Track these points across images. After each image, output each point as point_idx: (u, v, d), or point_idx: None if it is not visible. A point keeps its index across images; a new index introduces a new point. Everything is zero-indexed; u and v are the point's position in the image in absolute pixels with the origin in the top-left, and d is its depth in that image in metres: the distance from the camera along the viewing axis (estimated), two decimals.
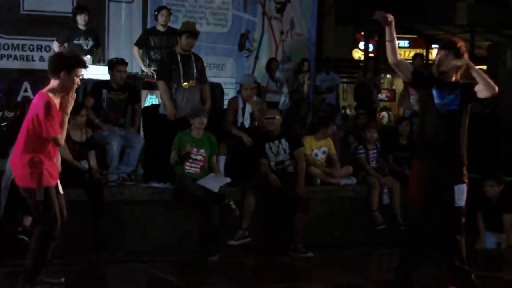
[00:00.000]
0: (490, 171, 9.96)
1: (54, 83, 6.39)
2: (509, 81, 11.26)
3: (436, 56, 6.68)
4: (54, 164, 6.53)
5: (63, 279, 6.88)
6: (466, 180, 6.60)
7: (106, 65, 10.39)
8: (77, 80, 6.43)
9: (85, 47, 11.08)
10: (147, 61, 11.36)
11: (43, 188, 6.36)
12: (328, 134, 10.39)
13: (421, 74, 7.01)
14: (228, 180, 9.03)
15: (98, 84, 9.99)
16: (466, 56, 6.57)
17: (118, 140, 9.47)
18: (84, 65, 6.56)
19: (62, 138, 6.42)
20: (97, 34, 11.51)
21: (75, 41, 10.95)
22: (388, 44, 6.51)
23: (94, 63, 10.88)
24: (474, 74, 6.39)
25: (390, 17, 6.34)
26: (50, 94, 6.35)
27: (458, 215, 6.58)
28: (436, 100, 6.51)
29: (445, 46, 6.63)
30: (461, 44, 6.57)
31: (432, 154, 6.54)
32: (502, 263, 9.64)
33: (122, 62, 9.90)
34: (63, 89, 6.38)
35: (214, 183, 8.94)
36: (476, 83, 6.43)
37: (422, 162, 6.62)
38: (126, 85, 9.94)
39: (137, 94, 10.28)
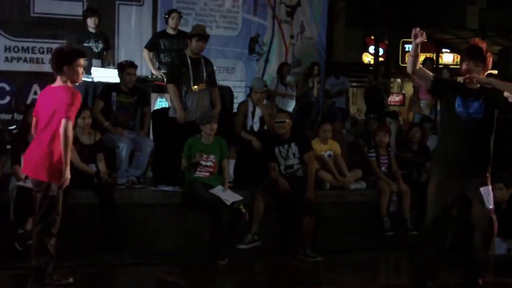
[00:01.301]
0: (499, 174, 9.93)
1: (61, 79, 6.72)
2: None
3: (462, 65, 6.61)
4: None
5: (71, 280, 6.91)
6: (489, 184, 6.54)
7: (116, 68, 10.38)
8: (81, 70, 6.79)
9: (95, 50, 11.08)
10: (157, 64, 11.35)
11: (57, 184, 6.49)
12: (330, 131, 10.31)
13: (443, 82, 6.91)
14: (240, 198, 8.99)
15: (107, 87, 9.99)
16: (490, 60, 6.53)
17: (128, 143, 9.47)
18: (83, 55, 6.88)
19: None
20: (107, 37, 11.51)
21: (85, 44, 10.95)
22: (410, 58, 6.51)
23: (103, 66, 10.87)
24: (503, 89, 6.35)
25: (421, 39, 6.31)
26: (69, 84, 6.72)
27: (490, 217, 6.52)
28: (459, 109, 6.46)
29: (472, 56, 6.55)
30: (487, 53, 6.51)
31: (457, 166, 6.51)
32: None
33: (132, 65, 9.90)
34: (71, 81, 6.76)
35: (227, 195, 8.91)
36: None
37: (445, 174, 6.58)
38: (135, 88, 9.94)
39: (146, 97, 10.28)
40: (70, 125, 6.53)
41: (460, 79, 6.63)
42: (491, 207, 6.52)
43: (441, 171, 6.69)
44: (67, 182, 6.61)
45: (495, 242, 9.79)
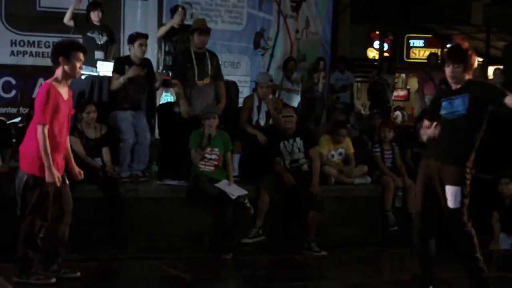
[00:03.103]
0: (504, 170, 9.95)
1: (57, 72, 6.57)
2: None
3: (446, 68, 6.62)
4: (59, 155, 6.59)
5: (79, 274, 6.92)
6: (464, 183, 6.51)
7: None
8: (78, 64, 6.56)
9: (98, 42, 11.04)
10: (163, 55, 11.39)
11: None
12: (345, 136, 10.34)
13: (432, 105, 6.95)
14: (245, 192, 9.00)
15: (120, 60, 10.00)
16: (473, 59, 6.53)
17: (132, 137, 9.44)
18: (82, 49, 6.67)
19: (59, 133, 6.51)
20: (112, 30, 11.50)
21: (89, 34, 10.91)
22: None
23: (106, 59, 10.85)
24: None
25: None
26: (54, 83, 6.51)
27: (454, 216, 6.52)
28: (444, 111, 6.50)
29: (451, 57, 6.56)
30: (468, 52, 6.50)
31: (435, 155, 6.53)
32: None
33: (144, 36, 9.81)
34: (66, 75, 6.55)
35: (232, 189, 8.92)
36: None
37: (424, 161, 6.65)
38: (145, 61, 9.90)
39: (153, 71, 10.21)
40: (41, 129, 6.36)
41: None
42: (454, 206, 6.49)
43: (424, 157, 6.76)
44: (58, 182, 6.52)
45: (500, 237, 9.84)
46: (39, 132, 6.39)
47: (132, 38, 9.80)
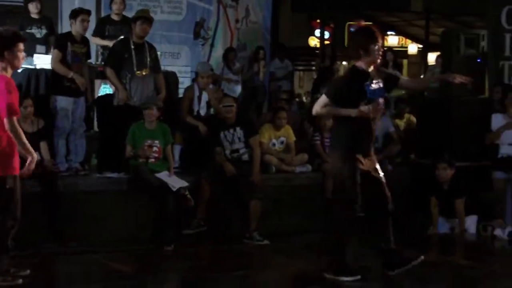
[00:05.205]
0: (441, 155, 10.10)
1: (1, 64, 6.56)
2: (463, 67, 11.33)
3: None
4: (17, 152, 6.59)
5: (28, 271, 6.88)
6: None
7: None
8: (21, 55, 6.66)
9: (38, 36, 10.91)
10: (101, 50, 11.26)
11: (13, 176, 6.50)
12: (285, 119, 10.36)
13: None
14: (186, 183, 8.97)
15: (62, 36, 9.83)
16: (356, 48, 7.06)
17: (68, 124, 9.34)
18: (23, 39, 6.75)
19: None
20: (51, 22, 11.34)
21: (27, 30, 10.77)
22: (330, 108, 7.00)
23: (48, 52, 10.70)
24: None
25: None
26: (4, 73, 6.54)
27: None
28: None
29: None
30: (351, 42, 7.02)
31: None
32: (455, 248, 9.78)
33: (86, 12, 9.64)
34: (11, 66, 6.63)
35: (173, 180, 8.89)
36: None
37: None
38: (85, 39, 9.76)
39: (89, 48, 10.01)
40: (13, 122, 6.41)
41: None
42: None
43: None
44: (32, 165, 6.53)
45: (438, 222, 10.00)
46: (12, 125, 6.40)
47: (75, 14, 9.59)
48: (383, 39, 7.16)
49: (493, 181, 10.27)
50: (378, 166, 7.24)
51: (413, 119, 12.09)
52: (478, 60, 11.50)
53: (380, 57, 7.10)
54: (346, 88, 6.98)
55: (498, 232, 9.82)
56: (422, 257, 7.21)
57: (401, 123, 11.99)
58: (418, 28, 22.31)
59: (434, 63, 15.61)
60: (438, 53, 14.37)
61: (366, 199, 7.03)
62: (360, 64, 7.04)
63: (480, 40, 11.58)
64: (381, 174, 7.21)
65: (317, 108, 7.13)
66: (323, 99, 7.04)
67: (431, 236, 9.94)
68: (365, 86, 6.95)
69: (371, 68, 7.06)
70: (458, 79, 7.25)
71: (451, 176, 9.96)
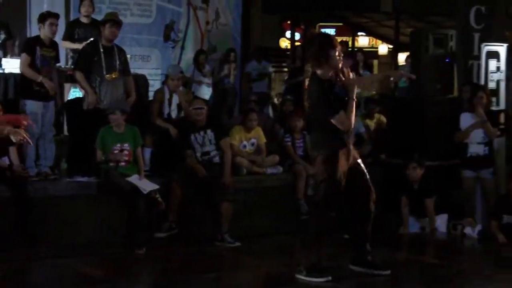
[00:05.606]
0: (411, 155, 10.17)
1: None
2: (431, 67, 11.46)
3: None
4: None
5: None
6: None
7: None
8: None
9: None
10: (71, 54, 11.21)
11: None
12: (255, 121, 10.37)
13: None
14: (157, 186, 8.96)
15: (31, 40, 9.74)
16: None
17: (38, 128, 9.27)
18: None
19: None
20: (8, 27, 11.20)
21: None
22: None
23: (6, 56, 10.57)
24: None
25: None
26: None
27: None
28: None
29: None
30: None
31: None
32: (425, 247, 9.85)
33: (55, 15, 9.57)
34: None
35: (144, 184, 8.87)
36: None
37: None
38: (54, 42, 9.69)
39: (58, 51, 9.94)
40: None
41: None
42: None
43: None
44: None
45: (409, 221, 10.07)
46: None
47: (43, 17, 9.53)
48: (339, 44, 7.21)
49: (463, 180, 10.36)
50: (360, 160, 7.30)
51: (383, 119, 12.15)
52: (447, 60, 11.60)
53: (341, 62, 7.12)
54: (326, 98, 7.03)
55: (468, 230, 9.92)
56: (389, 272, 7.29)
57: (371, 123, 12.04)
58: (388, 28, 22.40)
59: (404, 63, 15.71)
60: (408, 53, 14.46)
61: (351, 195, 7.08)
62: (321, 72, 7.06)
63: (449, 40, 11.69)
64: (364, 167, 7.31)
65: None
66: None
67: (402, 236, 10.00)
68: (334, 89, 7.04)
69: (331, 73, 7.09)
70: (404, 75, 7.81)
71: (421, 176, 10.05)
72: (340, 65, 7.08)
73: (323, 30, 26.02)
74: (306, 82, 16.69)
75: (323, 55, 6.98)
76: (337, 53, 7.01)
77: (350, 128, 7.08)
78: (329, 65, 7.00)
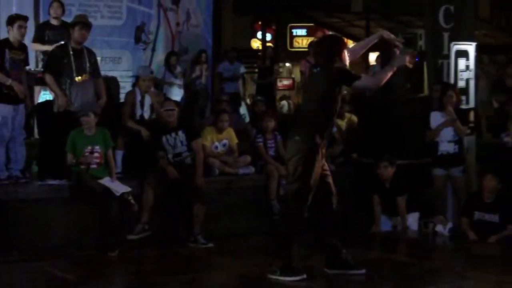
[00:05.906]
0: (382, 154, 10.24)
1: None
2: (402, 67, 11.51)
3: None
4: None
5: None
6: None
7: None
8: None
9: None
10: (41, 56, 11.15)
11: None
12: (227, 121, 10.38)
13: None
14: (129, 188, 8.93)
15: (0, 43, 9.68)
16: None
17: (8, 132, 9.21)
18: None
19: None
20: None
21: None
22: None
23: None
24: None
25: None
26: None
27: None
28: None
29: None
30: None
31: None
32: (397, 245, 9.91)
33: (24, 18, 9.49)
34: None
35: (116, 186, 8.84)
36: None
37: None
38: (24, 45, 9.61)
39: (28, 54, 9.85)
40: None
41: None
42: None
43: None
44: None
45: (381, 220, 10.14)
46: None
47: (12, 20, 9.45)
48: None
49: (434, 178, 10.43)
50: (325, 162, 7.35)
51: (354, 118, 12.20)
52: (417, 59, 11.66)
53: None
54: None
55: (439, 228, 9.99)
56: (364, 271, 7.32)
57: (343, 123, 12.08)
58: (359, 28, 22.55)
59: (375, 63, 15.80)
60: (378, 53, 14.54)
61: (313, 196, 7.11)
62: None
63: (418, 39, 11.77)
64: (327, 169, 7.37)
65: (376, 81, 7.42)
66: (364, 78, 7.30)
67: (374, 234, 10.06)
68: None
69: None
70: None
71: (392, 174, 10.11)
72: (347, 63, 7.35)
73: (294, 30, 26.27)
74: (278, 82, 16.90)
75: (339, 54, 7.26)
76: (346, 52, 7.32)
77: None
78: (341, 62, 7.27)
